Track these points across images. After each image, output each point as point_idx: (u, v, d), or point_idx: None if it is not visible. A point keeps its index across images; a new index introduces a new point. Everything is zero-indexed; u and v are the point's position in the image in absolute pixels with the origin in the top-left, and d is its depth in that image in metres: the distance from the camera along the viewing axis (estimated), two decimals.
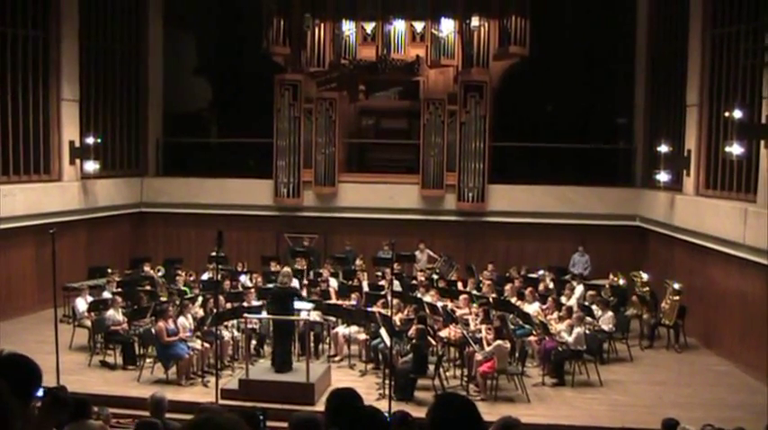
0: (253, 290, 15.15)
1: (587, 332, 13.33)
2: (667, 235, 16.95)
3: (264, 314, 13.71)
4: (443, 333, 13.34)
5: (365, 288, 15.61)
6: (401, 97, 20.30)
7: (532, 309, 14.29)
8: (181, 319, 13.04)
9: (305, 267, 17.00)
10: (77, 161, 18.00)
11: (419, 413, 7.10)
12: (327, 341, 14.59)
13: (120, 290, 15.54)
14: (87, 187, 18.35)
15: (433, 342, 12.97)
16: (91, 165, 18.24)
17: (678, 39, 17.09)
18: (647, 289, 16.11)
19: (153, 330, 12.85)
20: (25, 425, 3.13)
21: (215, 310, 12.77)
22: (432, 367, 12.14)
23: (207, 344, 12.99)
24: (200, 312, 13.83)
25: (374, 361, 13.40)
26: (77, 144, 17.93)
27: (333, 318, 14.53)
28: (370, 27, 20.03)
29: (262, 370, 12.63)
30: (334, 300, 14.98)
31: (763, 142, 12.99)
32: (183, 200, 20.15)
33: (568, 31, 19.92)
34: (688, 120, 16.37)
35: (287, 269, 14.11)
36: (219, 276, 13.99)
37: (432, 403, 3.27)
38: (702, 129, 15.89)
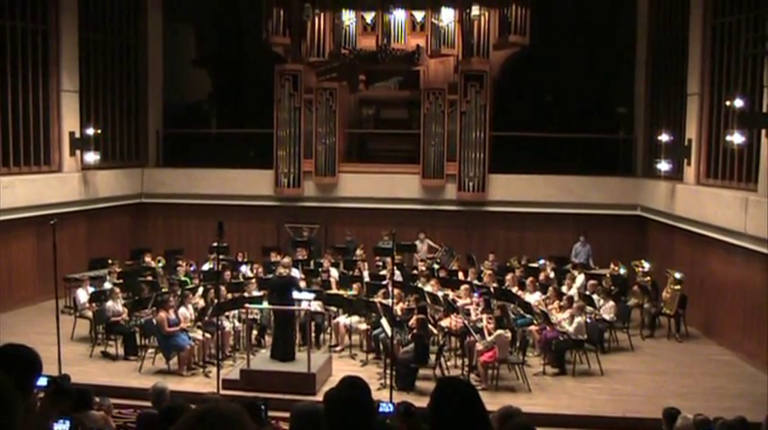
0: (253, 280, 15.17)
1: (588, 321, 13.35)
2: (668, 224, 16.94)
3: (266, 304, 13.74)
4: (444, 322, 13.36)
5: (366, 278, 15.62)
6: (401, 87, 20.25)
7: (533, 298, 14.30)
8: (182, 310, 13.08)
9: (306, 257, 17.01)
10: (78, 152, 17.97)
11: (420, 403, 7.12)
12: (328, 331, 14.61)
13: (120, 281, 15.58)
14: (88, 178, 18.33)
15: (434, 331, 13.01)
16: (91, 157, 18.21)
17: (679, 28, 17.04)
18: (649, 278, 16.11)
19: (154, 321, 12.86)
20: (27, 415, 3.09)
21: (216, 301, 12.79)
22: (433, 357, 12.18)
23: (208, 335, 13.02)
24: (201, 303, 13.85)
25: (375, 351, 13.42)
26: (77, 135, 17.90)
27: (334, 308, 14.56)
28: (370, 17, 19.97)
29: (263, 360, 12.64)
30: (335, 290, 15.00)
31: (764, 131, 12.94)
32: (183, 190, 20.13)
33: (569, 20, 19.82)
34: (689, 110, 16.32)
35: (286, 259, 14.13)
36: (220, 267, 14.02)
37: (434, 388, 3.27)
38: (703, 118, 15.84)
